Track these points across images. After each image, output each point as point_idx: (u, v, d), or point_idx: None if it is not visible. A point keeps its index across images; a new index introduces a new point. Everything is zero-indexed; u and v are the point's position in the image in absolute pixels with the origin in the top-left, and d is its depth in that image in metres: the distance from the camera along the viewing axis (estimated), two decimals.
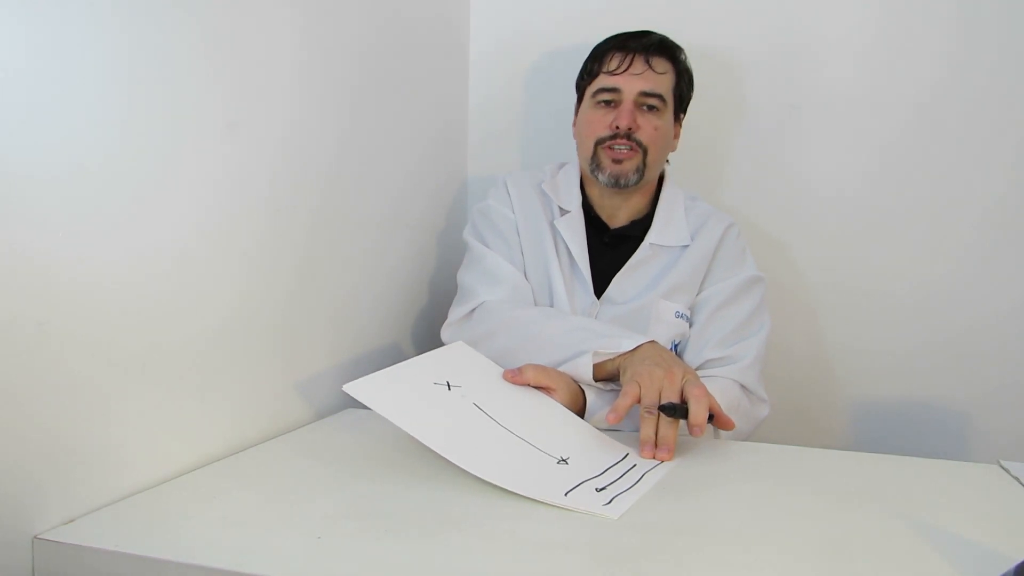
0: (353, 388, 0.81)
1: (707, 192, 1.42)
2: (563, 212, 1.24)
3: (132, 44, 0.75)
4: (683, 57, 1.24)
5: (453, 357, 0.95)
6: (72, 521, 0.69)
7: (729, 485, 0.82)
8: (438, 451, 0.78)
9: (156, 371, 0.79)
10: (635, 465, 0.85)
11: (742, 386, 1.10)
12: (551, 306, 1.19)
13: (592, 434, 0.94)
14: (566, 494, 0.75)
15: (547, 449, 0.84)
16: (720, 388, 1.05)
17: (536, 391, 0.98)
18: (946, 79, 1.32)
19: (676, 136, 1.27)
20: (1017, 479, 0.83)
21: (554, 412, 0.95)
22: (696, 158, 1.45)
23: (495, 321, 1.12)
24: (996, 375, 1.33)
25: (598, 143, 1.19)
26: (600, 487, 0.77)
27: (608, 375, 1.03)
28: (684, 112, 1.27)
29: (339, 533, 0.67)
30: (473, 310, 1.16)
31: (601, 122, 1.19)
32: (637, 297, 1.17)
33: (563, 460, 0.82)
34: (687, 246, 1.20)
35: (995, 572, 0.57)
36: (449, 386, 0.86)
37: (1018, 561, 0.54)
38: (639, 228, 1.23)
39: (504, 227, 1.24)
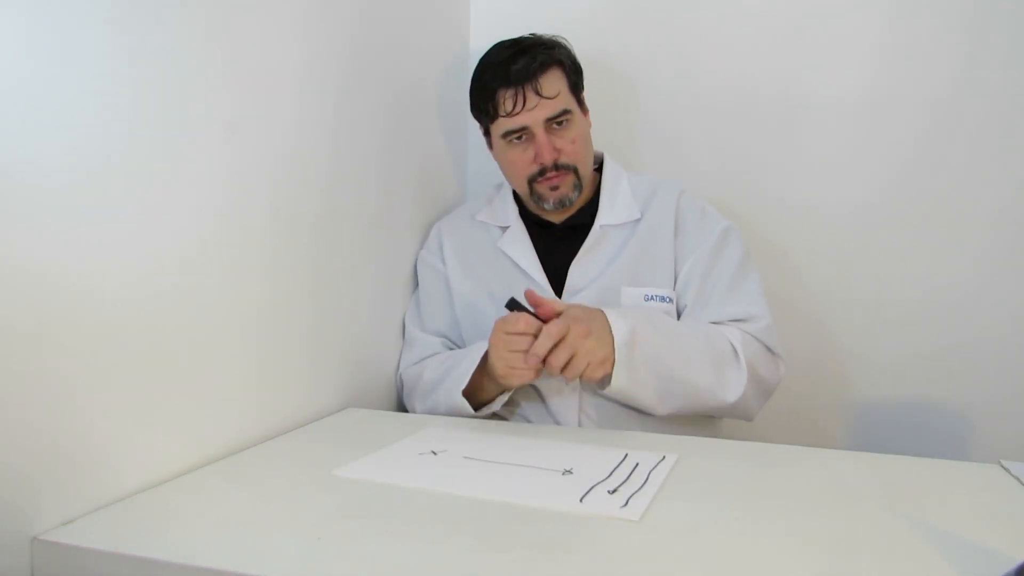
0: (345, 471, 0.83)
1: (707, 194, 1.42)
2: (504, 230, 1.26)
3: (135, 47, 0.75)
4: (563, 54, 1.21)
5: (430, 434, 0.99)
6: (71, 522, 0.69)
7: (729, 485, 0.82)
8: (443, 490, 0.78)
9: (155, 371, 0.79)
10: (638, 464, 0.85)
11: (766, 346, 1.13)
12: None
13: (587, 442, 0.95)
14: (581, 500, 0.75)
15: (548, 465, 0.85)
16: (742, 340, 1.09)
17: (518, 437, 0.99)
18: (952, 84, 1.32)
19: (586, 114, 1.25)
20: (1018, 479, 0.83)
21: (545, 437, 0.99)
22: (697, 161, 1.45)
23: (419, 394, 1.20)
24: (997, 375, 1.33)
25: (531, 181, 1.20)
26: (611, 489, 0.77)
27: (488, 394, 1.11)
28: (583, 89, 1.25)
29: (339, 533, 0.67)
30: (405, 385, 1.24)
31: (523, 161, 1.20)
32: (598, 277, 1.18)
33: (567, 471, 0.83)
34: (639, 220, 1.21)
35: (996, 572, 0.57)
36: (435, 453, 0.90)
37: (1019, 562, 0.54)
38: (587, 214, 1.23)
39: (429, 275, 1.29)
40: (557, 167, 1.18)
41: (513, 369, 1.03)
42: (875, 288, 1.38)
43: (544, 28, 1.49)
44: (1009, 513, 0.75)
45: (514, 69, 1.17)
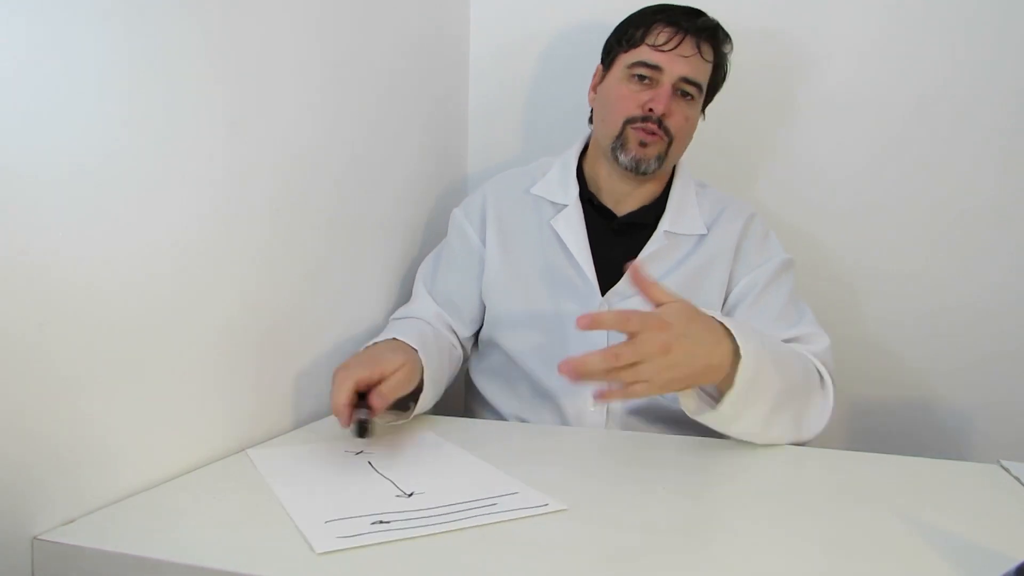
0: (256, 453, 0.85)
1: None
2: (559, 208, 1.17)
3: (133, 42, 0.75)
4: (728, 49, 1.17)
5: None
6: (72, 521, 0.69)
7: (729, 485, 0.82)
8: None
9: (156, 371, 0.79)
10: (496, 502, 0.76)
11: (830, 371, 1.02)
12: (546, 320, 1.12)
13: (513, 467, 0.85)
14: (326, 523, 0.69)
15: (401, 483, 0.80)
16: (823, 366, 1.00)
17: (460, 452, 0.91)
18: (946, 80, 1.32)
19: (702, 119, 1.21)
20: (1018, 479, 0.83)
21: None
22: (695, 156, 1.45)
23: None
24: (997, 375, 1.33)
25: (627, 122, 1.11)
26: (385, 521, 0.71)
27: None
28: (708, 103, 1.22)
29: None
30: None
31: (633, 100, 1.10)
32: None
33: (410, 494, 0.77)
34: (703, 236, 1.13)
35: (995, 572, 0.57)
36: (358, 453, 0.90)
37: (1019, 561, 0.54)
38: (650, 215, 1.15)
39: (458, 239, 1.21)
40: (660, 124, 1.09)
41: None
42: (872, 285, 1.38)
43: (546, 28, 1.49)
44: (1009, 513, 0.75)
45: (688, 18, 1.10)
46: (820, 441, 1.25)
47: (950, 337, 1.35)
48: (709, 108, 1.41)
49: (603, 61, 1.20)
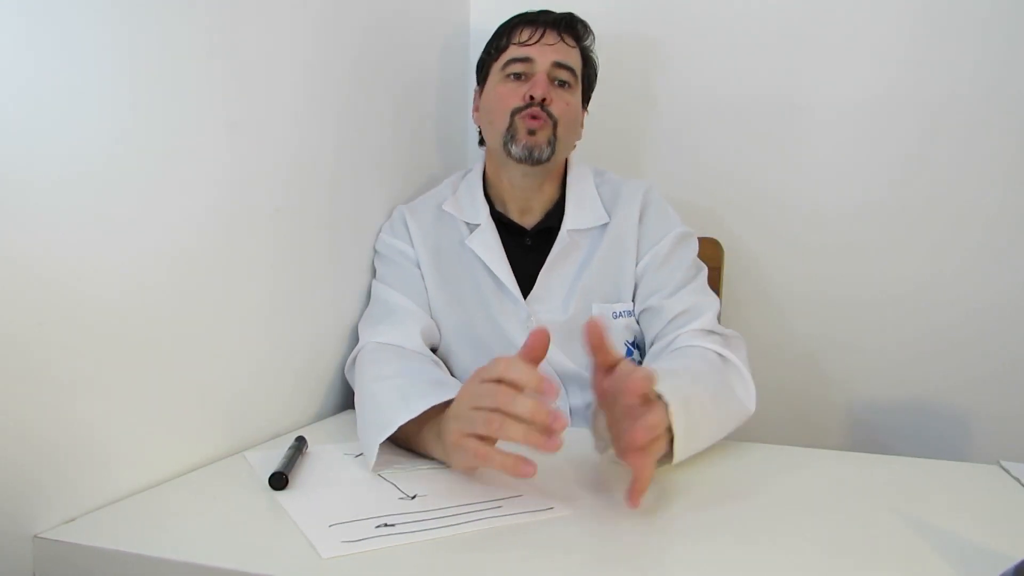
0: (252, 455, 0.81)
1: (704, 188, 1.42)
2: (472, 228, 1.18)
3: (133, 45, 0.75)
4: (590, 42, 1.21)
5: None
6: (72, 520, 0.69)
7: (729, 485, 0.82)
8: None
9: (156, 371, 0.79)
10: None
11: (724, 336, 1.04)
12: (484, 338, 1.11)
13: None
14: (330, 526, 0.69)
15: (404, 488, 0.80)
16: (722, 342, 1.01)
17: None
18: (950, 88, 1.32)
19: (581, 123, 1.22)
20: (1017, 479, 0.83)
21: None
22: (702, 162, 1.45)
23: (356, 379, 1.03)
24: (996, 376, 1.33)
25: (514, 112, 1.13)
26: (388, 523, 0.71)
27: (420, 449, 0.88)
28: (588, 101, 1.25)
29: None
30: (356, 357, 1.07)
31: (514, 94, 1.14)
32: (569, 291, 1.12)
33: (414, 496, 0.78)
34: (607, 224, 1.16)
35: (995, 572, 0.57)
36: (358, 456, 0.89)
37: (1018, 561, 0.54)
38: (555, 218, 1.17)
39: (400, 260, 1.17)
40: (543, 108, 1.12)
41: (465, 440, 0.76)
42: (873, 286, 1.38)
43: None
44: (1009, 513, 0.75)
45: (544, 14, 1.18)
46: (820, 441, 1.25)
47: (951, 338, 1.35)
48: (726, 115, 1.41)
49: (479, 80, 1.24)
